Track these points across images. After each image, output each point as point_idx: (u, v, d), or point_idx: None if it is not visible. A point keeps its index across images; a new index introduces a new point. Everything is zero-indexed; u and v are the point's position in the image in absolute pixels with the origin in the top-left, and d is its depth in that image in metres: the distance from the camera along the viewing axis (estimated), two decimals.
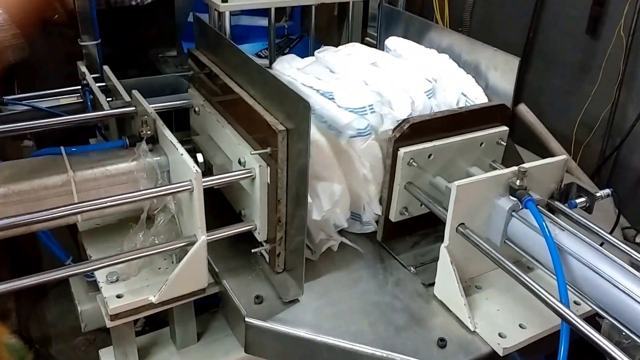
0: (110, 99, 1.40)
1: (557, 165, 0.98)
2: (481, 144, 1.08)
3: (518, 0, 2.27)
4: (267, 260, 1.01)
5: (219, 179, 0.95)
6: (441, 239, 1.10)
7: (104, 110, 1.26)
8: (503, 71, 1.10)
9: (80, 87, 1.40)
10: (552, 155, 1.91)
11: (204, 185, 0.89)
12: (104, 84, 1.45)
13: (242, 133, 1.00)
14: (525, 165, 0.93)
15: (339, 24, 1.96)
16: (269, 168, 0.92)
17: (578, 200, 0.99)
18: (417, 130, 1.00)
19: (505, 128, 1.10)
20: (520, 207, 0.91)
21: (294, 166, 0.89)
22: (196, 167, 0.89)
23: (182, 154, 0.93)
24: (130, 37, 1.91)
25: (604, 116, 2.04)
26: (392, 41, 1.30)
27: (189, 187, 0.90)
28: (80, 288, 1.20)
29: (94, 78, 1.44)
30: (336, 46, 1.73)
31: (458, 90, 1.14)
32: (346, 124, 0.99)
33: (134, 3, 1.84)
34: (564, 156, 0.98)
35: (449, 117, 1.04)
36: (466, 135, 1.06)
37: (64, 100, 1.40)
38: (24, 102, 1.35)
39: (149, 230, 0.97)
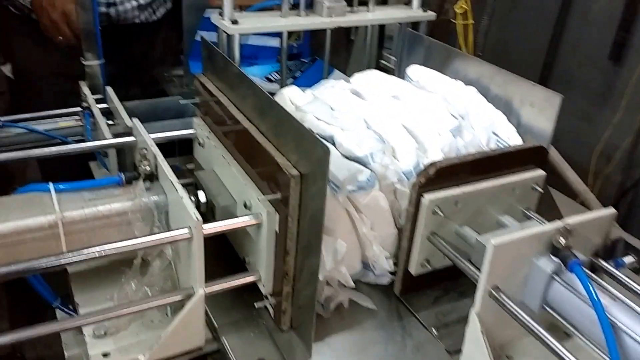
0: (111, 122, 1.32)
1: (605, 220, 0.86)
2: (514, 189, 0.97)
3: (536, 22, 2.20)
4: (272, 315, 0.91)
5: (222, 226, 0.85)
6: (466, 293, 1.00)
7: (103, 134, 1.18)
8: (541, 108, 0.99)
9: (80, 108, 1.32)
10: (568, 185, 1.81)
11: (205, 234, 0.79)
12: (106, 105, 1.36)
13: (249, 172, 0.90)
14: (571, 220, 0.82)
15: (348, 47, 1.87)
16: (277, 215, 0.82)
17: (627, 260, 0.88)
18: (444, 174, 0.90)
19: (541, 172, 0.99)
20: (564, 270, 0.80)
21: (306, 215, 0.79)
22: (197, 215, 0.79)
23: (182, 197, 0.83)
24: (135, 54, 1.83)
25: (624, 146, 1.94)
26: (414, 70, 1.20)
27: (188, 235, 0.80)
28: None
29: (96, 99, 1.35)
30: (346, 71, 1.64)
31: (488, 128, 1.03)
32: (345, 179, 0.88)
33: (137, 21, 1.76)
34: (611, 210, 0.87)
35: (479, 160, 0.93)
36: (498, 180, 0.95)
37: (63, 123, 1.31)
38: (20, 124, 1.26)
39: (143, 279, 0.87)
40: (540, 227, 0.81)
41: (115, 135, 1.20)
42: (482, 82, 1.12)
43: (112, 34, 1.61)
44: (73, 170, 1.29)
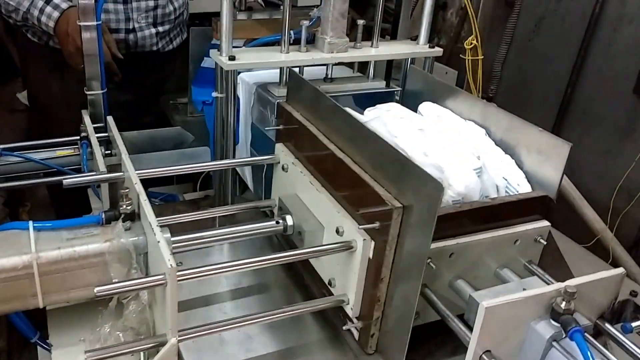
0: (109, 151, 1.31)
1: (612, 280, 0.80)
2: (515, 241, 0.91)
3: (557, 52, 2.13)
4: (357, 338, 0.91)
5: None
6: (461, 349, 0.93)
7: (99, 165, 1.16)
8: (548, 156, 0.94)
9: (78, 137, 1.31)
10: (585, 221, 1.72)
11: (179, 280, 0.76)
12: (106, 134, 1.35)
13: (340, 200, 0.91)
14: (574, 282, 0.75)
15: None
16: (373, 242, 0.83)
17: (634, 324, 0.81)
18: (438, 225, 0.84)
19: (545, 223, 0.93)
20: (564, 336, 0.73)
21: (403, 243, 0.80)
22: (171, 261, 0.75)
23: (158, 241, 0.79)
24: (150, 83, 1.83)
25: None
26: (426, 107, 1.15)
27: (162, 282, 0.76)
28: None
29: (98, 128, 1.34)
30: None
31: (499, 172, 0.98)
32: None
33: (154, 49, 1.76)
34: (620, 270, 0.80)
35: (478, 210, 0.88)
36: (498, 231, 0.90)
37: (61, 152, 1.30)
38: (17, 152, 1.25)
39: (117, 322, 0.84)
40: (538, 290, 0.75)
41: (110, 167, 1.19)
42: (486, 124, 1.07)
43: (128, 61, 1.61)
44: (75, 193, 1.27)
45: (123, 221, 0.88)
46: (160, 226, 0.86)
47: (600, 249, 1.71)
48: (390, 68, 1.49)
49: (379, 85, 1.36)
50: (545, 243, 0.93)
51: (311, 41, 1.28)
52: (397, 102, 1.35)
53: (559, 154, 0.92)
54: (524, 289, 0.82)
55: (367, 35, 1.34)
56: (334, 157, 0.94)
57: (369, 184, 0.85)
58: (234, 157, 1.28)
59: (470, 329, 0.79)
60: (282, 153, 1.11)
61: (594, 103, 2.03)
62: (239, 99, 1.32)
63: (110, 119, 1.34)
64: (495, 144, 1.03)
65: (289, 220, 1.01)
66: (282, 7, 1.20)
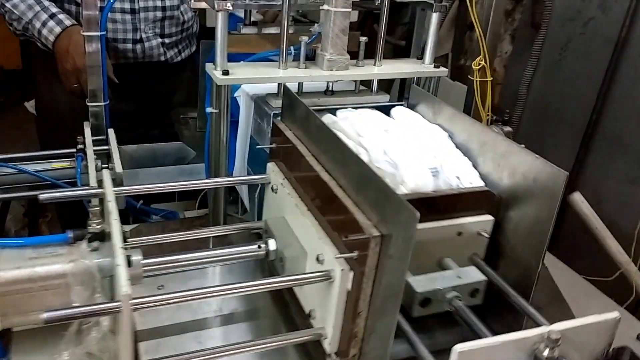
0: (106, 165, 1.30)
1: (605, 325, 0.72)
2: (459, 233, 0.91)
3: (583, 77, 2.04)
4: None
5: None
6: None
7: (90, 179, 1.14)
8: (545, 185, 0.87)
9: (75, 150, 1.29)
10: (608, 253, 1.61)
11: (133, 308, 0.71)
12: (107, 147, 1.33)
13: (324, 225, 0.87)
14: (559, 327, 0.68)
15: None
16: (352, 273, 0.78)
17: None
18: None
19: (489, 218, 0.94)
20: None
21: (382, 276, 0.75)
22: (127, 288, 0.71)
23: (118, 265, 0.76)
24: (157, 94, 1.82)
25: None
26: (397, 111, 1.17)
27: (117, 309, 0.72)
28: None
29: (99, 141, 1.33)
30: None
31: (455, 173, 0.98)
32: None
33: (162, 59, 1.76)
34: (615, 314, 0.72)
35: (418, 200, 0.86)
36: (440, 222, 0.91)
37: (56, 164, 1.29)
38: (10, 164, 1.25)
39: (76, 350, 0.80)
40: (519, 334, 0.68)
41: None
42: (485, 149, 1.01)
43: (136, 71, 1.61)
44: (77, 206, 1.26)
45: (90, 241, 0.85)
46: (132, 247, 0.84)
47: (624, 283, 1.60)
48: (403, 86, 1.45)
49: (382, 99, 1.32)
50: (487, 236, 0.93)
51: (312, 57, 1.25)
52: None
53: (555, 183, 0.85)
54: (459, 277, 0.88)
55: (392, 54, 1.30)
56: (318, 179, 0.89)
57: (349, 209, 0.80)
58: (226, 175, 1.24)
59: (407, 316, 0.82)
60: (272, 173, 1.07)
61: (620, 129, 1.94)
62: (238, 113, 1.29)
63: (111, 131, 1.33)
64: (491, 169, 0.98)
65: (272, 244, 0.96)
66: (282, 23, 1.17)
